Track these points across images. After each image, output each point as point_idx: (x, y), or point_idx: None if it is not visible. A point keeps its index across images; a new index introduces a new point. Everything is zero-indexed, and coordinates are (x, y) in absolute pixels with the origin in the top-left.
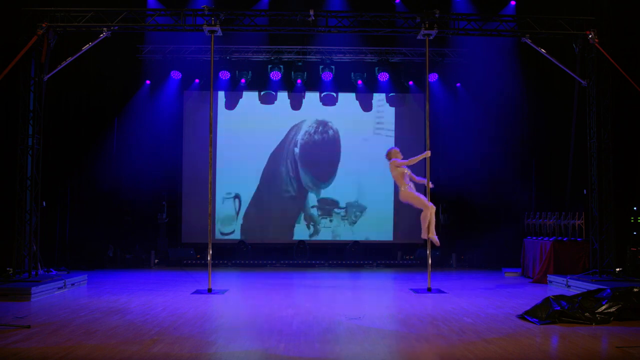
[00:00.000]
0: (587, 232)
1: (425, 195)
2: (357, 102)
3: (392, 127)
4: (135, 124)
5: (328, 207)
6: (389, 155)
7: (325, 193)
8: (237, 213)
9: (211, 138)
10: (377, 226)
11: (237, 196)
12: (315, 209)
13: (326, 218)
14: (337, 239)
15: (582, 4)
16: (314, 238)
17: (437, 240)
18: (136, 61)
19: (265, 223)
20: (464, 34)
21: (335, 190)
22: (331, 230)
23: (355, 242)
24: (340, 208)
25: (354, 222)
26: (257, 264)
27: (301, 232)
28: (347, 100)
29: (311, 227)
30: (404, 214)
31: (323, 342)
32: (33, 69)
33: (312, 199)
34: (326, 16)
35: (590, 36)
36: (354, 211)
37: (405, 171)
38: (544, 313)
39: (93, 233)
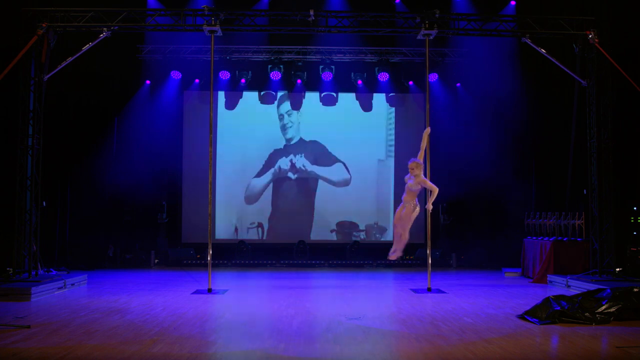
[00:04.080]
0: (587, 232)
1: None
2: (357, 102)
3: (393, 127)
4: (135, 124)
5: (347, 230)
6: (417, 168)
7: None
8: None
9: (211, 138)
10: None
11: (260, 225)
12: (334, 233)
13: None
14: (337, 239)
15: (582, 4)
16: (314, 238)
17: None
18: (136, 61)
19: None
20: (464, 34)
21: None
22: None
23: (355, 242)
24: (360, 230)
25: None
26: (257, 264)
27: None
28: (347, 100)
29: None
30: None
31: (323, 342)
32: (33, 69)
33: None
34: (326, 16)
35: (590, 36)
36: (374, 233)
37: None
38: (544, 313)
39: (93, 233)
